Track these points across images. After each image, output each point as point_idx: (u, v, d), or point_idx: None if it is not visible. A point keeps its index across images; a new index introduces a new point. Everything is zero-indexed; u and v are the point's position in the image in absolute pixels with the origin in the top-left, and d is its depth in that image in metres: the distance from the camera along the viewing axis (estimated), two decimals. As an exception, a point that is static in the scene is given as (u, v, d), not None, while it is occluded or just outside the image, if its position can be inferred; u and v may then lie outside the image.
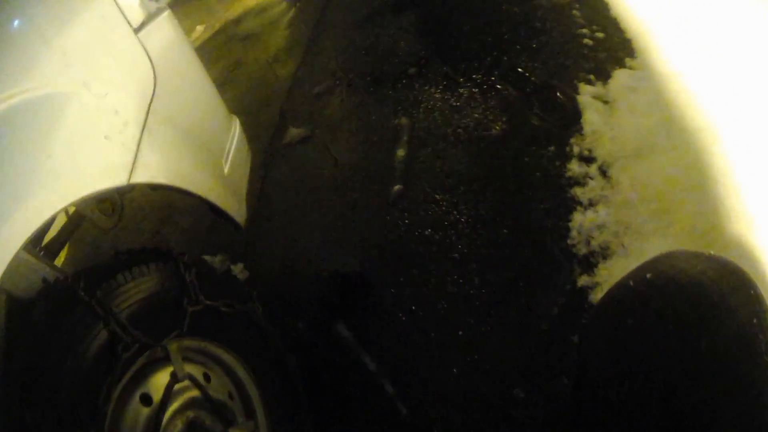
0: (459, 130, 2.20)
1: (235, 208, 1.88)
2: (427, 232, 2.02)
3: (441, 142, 2.19)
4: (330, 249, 2.11)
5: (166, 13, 1.72)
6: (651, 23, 2.49)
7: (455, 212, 2.03)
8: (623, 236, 2.01)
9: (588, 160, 2.10)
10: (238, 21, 4.19)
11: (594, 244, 1.97)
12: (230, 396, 1.59)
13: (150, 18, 1.63)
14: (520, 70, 2.38)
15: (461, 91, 2.35)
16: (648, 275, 1.01)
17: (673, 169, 2.08)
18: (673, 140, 2.15)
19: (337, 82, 2.70)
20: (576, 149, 2.12)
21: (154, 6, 1.66)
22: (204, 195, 1.66)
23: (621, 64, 2.39)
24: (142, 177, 1.40)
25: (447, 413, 1.77)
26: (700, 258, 0.99)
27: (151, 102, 1.53)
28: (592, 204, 2.03)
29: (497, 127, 2.18)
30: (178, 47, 1.77)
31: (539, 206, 2.02)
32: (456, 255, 1.99)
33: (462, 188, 2.05)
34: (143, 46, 1.56)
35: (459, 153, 2.15)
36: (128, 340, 1.30)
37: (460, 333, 1.87)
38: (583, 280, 1.93)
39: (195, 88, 1.86)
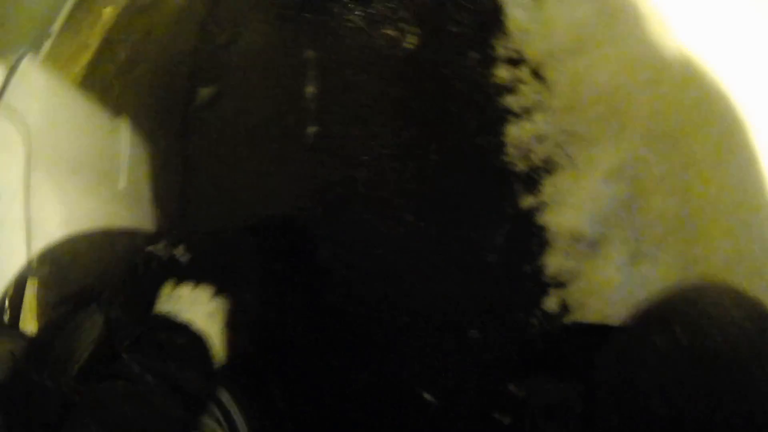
0: (367, 52, 1.88)
1: (139, 217, 1.84)
2: (351, 173, 1.76)
3: (350, 69, 1.90)
4: (262, 208, 1.98)
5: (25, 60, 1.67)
6: None
7: (377, 146, 1.75)
8: (568, 145, 1.81)
9: (516, 62, 1.83)
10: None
11: (534, 158, 1.74)
12: (218, 422, 1.57)
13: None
14: None
15: (371, 7, 2.02)
16: (677, 329, 0.84)
17: (619, 64, 1.83)
18: (615, 30, 1.88)
19: (239, 26, 2.35)
20: (501, 51, 1.83)
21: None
22: (103, 225, 1.65)
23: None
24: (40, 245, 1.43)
25: (400, 365, 1.62)
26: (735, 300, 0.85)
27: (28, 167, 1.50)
28: (527, 112, 1.77)
29: (410, 42, 1.87)
30: (47, 90, 1.75)
31: (468, 123, 1.76)
32: (384, 193, 1.71)
33: (381, 117, 1.75)
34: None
35: (372, 79, 1.86)
36: None
37: (402, 277, 1.69)
38: (527, 201, 1.76)
39: (75, 121, 1.82)
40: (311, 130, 1.89)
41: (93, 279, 1.86)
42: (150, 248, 2.11)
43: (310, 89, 1.97)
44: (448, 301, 1.62)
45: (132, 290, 1.73)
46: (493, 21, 1.96)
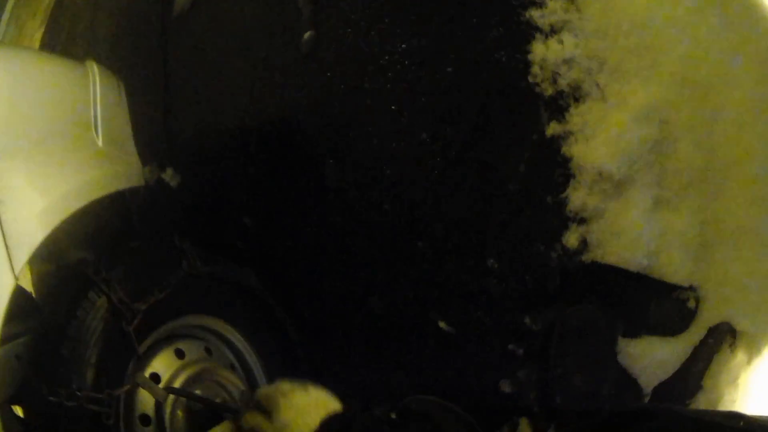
0: None
1: (123, 174, 1.57)
2: (355, 83, 1.53)
3: None
4: (255, 121, 1.76)
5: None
6: None
7: (385, 54, 1.50)
8: (597, 74, 1.63)
9: None
10: None
11: (562, 82, 1.57)
12: (232, 366, 1.62)
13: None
14: None
15: None
16: None
17: None
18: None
19: None
20: None
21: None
22: (86, 203, 1.36)
23: None
24: (23, 257, 1.20)
25: (414, 291, 1.48)
26: None
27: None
28: (554, 31, 1.57)
29: None
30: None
31: (488, 34, 1.61)
32: (394, 107, 1.57)
33: (387, 20, 1.53)
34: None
35: None
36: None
37: (414, 201, 1.51)
38: (552, 128, 1.61)
39: (32, 85, 1.43)
40: (306, 35, 1.60)
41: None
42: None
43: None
44: (464, 227, 1.43)
45: (129, 255, 1.55)
46: None
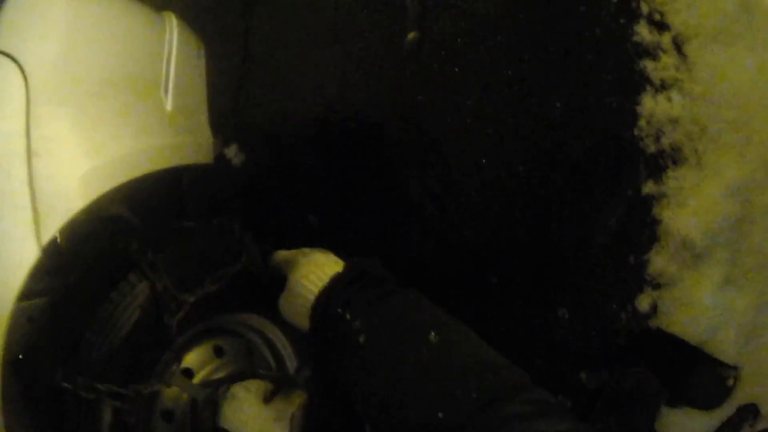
0: None
1: (191, 148, 1.38)
2: (456, 97, 1.44)
3: None
4: (339, 115, 1.64)
5: None
6: None
7: (492, 73, 1.39)
8: (698, 140, 1.60)
9: (660, 26, 1.54)
10: None
11: (665, 141, 1.54)
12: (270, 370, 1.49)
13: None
14: None
15: None
16: None
17: (760, 73, 1.63)
18: (756, 33, 1.67)
19: None
20: (645, 7, 1.54)
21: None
22: (144, 173, 1.18)
23: None
24: (55, 226, 1.01)
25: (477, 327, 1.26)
26: None
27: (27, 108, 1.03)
28: (664, 87, 1.52)
29: None
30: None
31: (602, 77, 1.57)
32: (492, 131, 1.54)
33: (499, 38, 1.43)
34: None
35: None
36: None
37: (498, 233, 1.49)
38: (648, 187, 1.56)
39: (99, 28, 1.23)
40: (411, 35, 1.50)
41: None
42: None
43: (415, -15, 1.56)
44: (543, 271, 1.44)
45: (182, 239, 1.38)
46: None
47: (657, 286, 1.55)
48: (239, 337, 1.49)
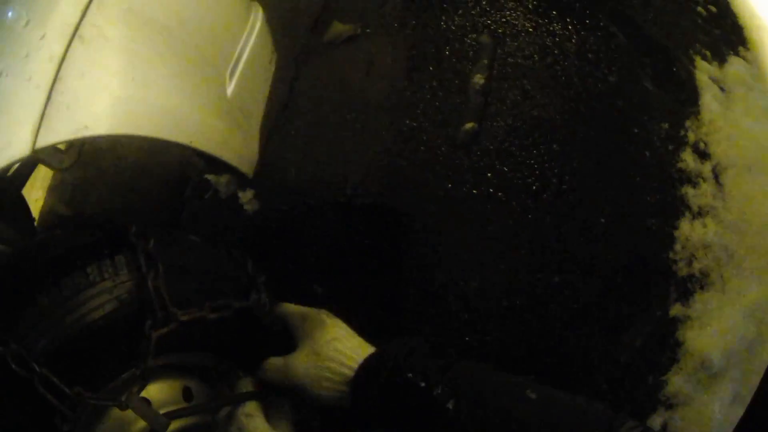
0: (557, 68, 1.55)
1: (239, 150, 1.24)
2: (499, 196, 1.55)
3: (529, 77, 1.58)
4: (368, 188, 1.59)
5: None
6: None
7: (540, 178, 1.45)
8: (725, 266, 1.67)
9: (703, 155, 1.61)
10: None
11: (696, 266, 1.60)
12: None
13: None
14: (629, 14, 1.74)
15: (555, 17, 1.67)
16: None
17: None
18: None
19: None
20: (692, 136, 1.62)
21: None
22: (186, 141, 1.03)
23: (735, 51, 1.99)
24: (61, 133, 0.83)
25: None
26: None
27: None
28: (701, 214, 1.60)
29: (604, 79, 1.58)
30: None
31: (645, 198, 1.64)
32: (530, 237, 1.56)
33: (554, 146, 1.48)
34: None
35: (552, 98, 1.57)
36: None
37: (524, 339, 1.49)
38: (676, 310, 1.61)
39: None
40: (468, 126, 1.53)
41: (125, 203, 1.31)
42: (209, 176, 1.61)
43: (478, 78, 1.61)
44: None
45: (190, 248, 1.21)
46: (690, 100, 1.79)
47: (670, 406, 1.58)
48: (212, 388, 1.25)
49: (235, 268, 1.20)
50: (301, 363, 1.05)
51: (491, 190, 1.58)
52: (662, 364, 1.59)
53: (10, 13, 0.85)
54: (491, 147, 1.64)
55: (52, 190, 1.46)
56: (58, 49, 0.83)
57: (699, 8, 2.14)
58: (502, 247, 1.55)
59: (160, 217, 1.37)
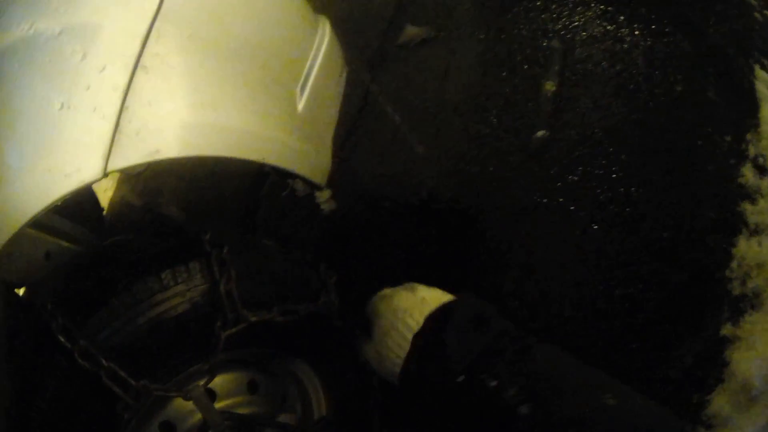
0: (625, 76, 1.51)
1: (311, 162, 1.24)
2: (566, 208, 1.58)
3: (599, 85, 1.54)
4: (442, 194, 1.60)
5: None
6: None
7: (609, 191, 1.45)
8: None
9: (762, 170, 1.60)
10: None
11: (749, 285, 1.58)
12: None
13: None
14: (693, 19, 1.70)
15: (622, 22, 1.63)
16: None
17: None
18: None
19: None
20: (752, 150, 1.62)
21: None
22: (258, 159, 1.05)
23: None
24: (132, 158, 0.87)
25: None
26: None
27: (155, 15, 0.91)
28: (757, 231, 1.58)
29: (671, 88, 1.58)
30: None
31: (706, 213, 1.65)
32: (596, 248, 1.57)
33: (623, 156, 1.60)
34: None
35: (621, 107, 1.56)
36: None
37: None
38: (726, 329, 1.61)
39: None
40: (540, 133, 1.50)
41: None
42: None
43: (549, 85, 1.59)
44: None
45: (263, 254, 1.25)
46: (751, 111, 1.76)
47: (709, 426, 1.60)
48: (275, 378, 1.33)
49: (307, 272, 1.25)
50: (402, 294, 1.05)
51: (561, 200, 1.56)
52: (708, 384, 1.61)
53: (65, 48, 0.88)
54: (562, 156, 1.62)
55: (125, 181, 1.41)
56: (122, 80, 0.88)
57: (755, 14, 2.10)
58: (568, 257, 1.55)
59: (235, 215, 1.34)
